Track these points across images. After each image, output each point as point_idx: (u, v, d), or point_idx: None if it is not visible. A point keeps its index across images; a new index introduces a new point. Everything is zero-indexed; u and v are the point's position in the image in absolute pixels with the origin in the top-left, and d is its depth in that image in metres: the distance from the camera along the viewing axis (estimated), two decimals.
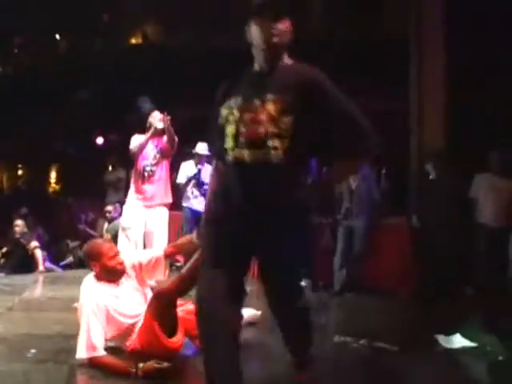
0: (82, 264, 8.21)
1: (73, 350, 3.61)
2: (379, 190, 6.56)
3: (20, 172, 18.57)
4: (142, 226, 5.84)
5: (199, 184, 7.32)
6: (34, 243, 7.69)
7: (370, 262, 6.22)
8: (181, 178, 7.51)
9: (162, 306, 3.29)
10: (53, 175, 17.94)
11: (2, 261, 7.90)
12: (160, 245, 5.81)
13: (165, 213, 5.95)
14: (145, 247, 5.81)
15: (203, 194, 7.17)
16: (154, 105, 6.38)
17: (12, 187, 17.99)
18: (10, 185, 18.32)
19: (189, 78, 11.02)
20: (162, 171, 5.92)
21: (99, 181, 12.24)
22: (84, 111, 12.88)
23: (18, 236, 7.77)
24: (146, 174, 5.85)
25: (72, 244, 9.88)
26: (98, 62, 12.91)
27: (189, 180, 7.39)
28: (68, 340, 3.90)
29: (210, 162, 7.35)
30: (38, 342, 3.87)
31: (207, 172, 7.27)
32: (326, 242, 6.65)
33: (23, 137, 13.97)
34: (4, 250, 7.94)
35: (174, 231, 7.86)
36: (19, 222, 7.85)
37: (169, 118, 5.72)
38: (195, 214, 7.27)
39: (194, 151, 7.39)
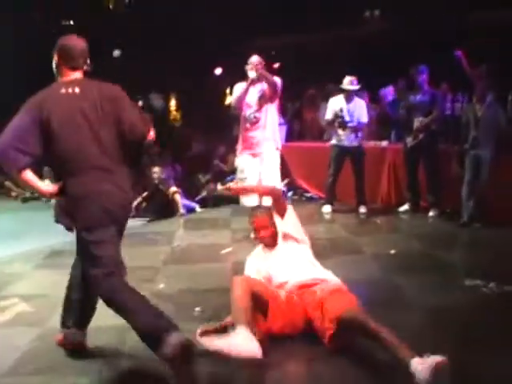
0: (217, 202, 9.04)
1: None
2: (506, 117, 6.59)
3: (140, 103, 19.63)
4: (257, 174, 6.19)
5: (343, 124, 7.35)
6: (173, 189, 8.50)
7: (497, 193, 6.35)
8: (328, 115, 7.58)
9: None
10: (172, 103, 18.86)
11: (144, 204, 8.86)
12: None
13: (276, 157, 6.25)
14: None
15: (353, 130, 7.35)
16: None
17: None
18: None
19: None
20: (268, 116, 6.14)
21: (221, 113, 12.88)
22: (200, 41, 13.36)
23: (156, 182, 8.64)
24: (251, 121, 6.13)
25: (204, 178, 10.57)
26: None
27: (334, 118, 7.44)
28: (226, 295, 4.58)
29: (360, 97, 7.54)
30: (199, 298, 4.52)
31: (356, 107, 7.39)
32: (453, 170, 6.84)
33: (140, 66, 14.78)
34: (145, 194, 8.88)
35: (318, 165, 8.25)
36: (157, 169, 8.68)
37: (261, 64, 5.92)
38: (343, 150, 7.46)
39: (341, 86, 7.42)
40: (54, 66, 3.32)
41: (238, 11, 12.28)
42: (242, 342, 3.06)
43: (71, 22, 16.12)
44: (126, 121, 3.24)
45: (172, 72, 15.66)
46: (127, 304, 3.23)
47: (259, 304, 3.50)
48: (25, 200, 11.13)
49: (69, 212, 3.26)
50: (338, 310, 3.30)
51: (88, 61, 3.36)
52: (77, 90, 3.20)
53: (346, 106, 7.35)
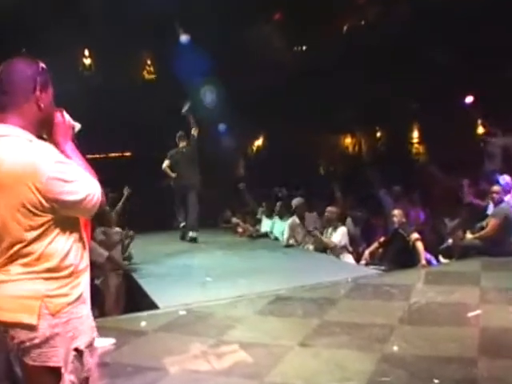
0: (465, 253, 8.64)
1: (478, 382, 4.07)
2: None
3: (378, 134, 19.79)
4: None
5: None
6: (415, 235, 8.32)
7: None
8: None
9: None
10: (414, 135, 18.67)
11: (380, 251, 8.81)
12: None
13: None
14: None
15: None
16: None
17: (371, 151, 19.34)
18: (369, 148, 19.67)
19: None
20: None
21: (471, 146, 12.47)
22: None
23: (396, 226, 8.56)
24: None
25: (450, 223, 10.16)
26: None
27: None
28: (470, 366, 4.34)
29: None
30: (438, 368, 4.32)
31: None
32: None
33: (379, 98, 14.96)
34: (382, 239, 8.83)
35: None
36: (397, 212, 8.61)
37: None
38: None
39: None
40: None
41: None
42: None
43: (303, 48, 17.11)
44: None
45: (414, 99, 15.62)
46: None
47: None
48: (251, 237, 11.75)
49: None
50: None
51: None
52: None
53: None
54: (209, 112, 13.46)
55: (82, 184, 2.32)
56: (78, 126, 2.60)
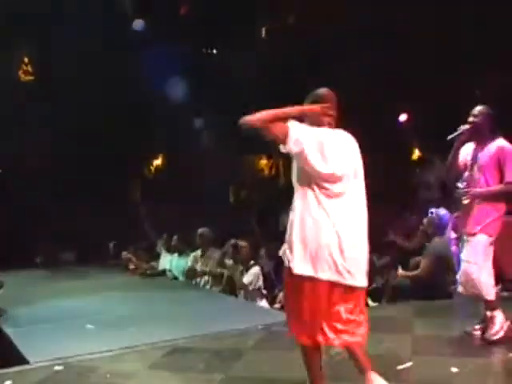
0: (397, 295, 8.78)
1: None
2: None
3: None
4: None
5: None
6: None
7: None
8: None
9: None
10: None
11: None
12: None
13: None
14: None
15: None
16: None
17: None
18: (287, 172, 19.80)
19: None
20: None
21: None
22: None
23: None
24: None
25: (380, 262, 10.27)
26: None
27: None
28: None
29: None
30: None
31: None
32: None
33: None
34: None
35: None
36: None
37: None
38: None
39: None
40: None
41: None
42: None
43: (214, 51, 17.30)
44: None
45: None
46: None
47: None
48: (144, 275, 11.67)
49: None
50: None
51: None
52: None
53: None
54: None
55: None
56: None
